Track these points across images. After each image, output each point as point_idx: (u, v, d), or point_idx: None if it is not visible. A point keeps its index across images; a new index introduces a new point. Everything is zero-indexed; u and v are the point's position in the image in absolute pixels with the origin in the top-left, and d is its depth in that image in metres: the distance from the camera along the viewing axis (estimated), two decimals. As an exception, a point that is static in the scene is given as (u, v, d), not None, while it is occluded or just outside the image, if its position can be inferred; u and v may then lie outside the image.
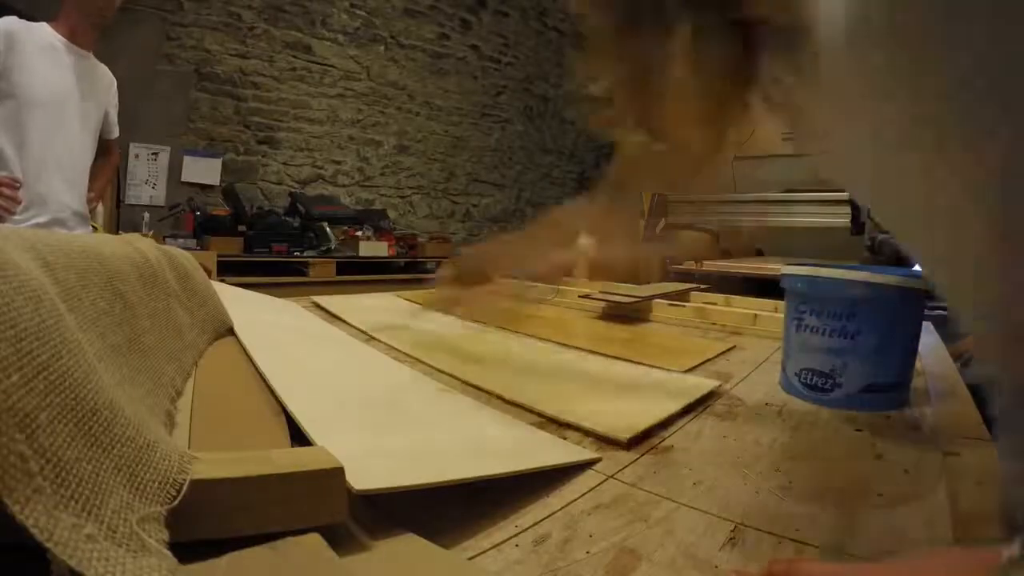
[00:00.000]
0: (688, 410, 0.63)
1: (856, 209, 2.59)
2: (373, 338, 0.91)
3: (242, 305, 0.91)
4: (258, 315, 0.94)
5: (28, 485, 0.21)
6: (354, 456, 0.36)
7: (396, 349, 0.84)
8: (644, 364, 0.81)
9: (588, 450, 0.51)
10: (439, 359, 0.78)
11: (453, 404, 0.62)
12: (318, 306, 1.16)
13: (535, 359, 0.84)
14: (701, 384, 0.71)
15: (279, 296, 1.22)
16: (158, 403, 0.46)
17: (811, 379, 0.67)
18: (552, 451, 0.50)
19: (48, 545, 0.20)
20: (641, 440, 0.53)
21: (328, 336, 0.91)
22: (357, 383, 0.66)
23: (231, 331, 0.83)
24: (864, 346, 0.63)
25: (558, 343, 0.93)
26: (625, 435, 0.52)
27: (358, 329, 0.96)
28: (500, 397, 0.64)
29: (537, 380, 0.73)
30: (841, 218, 2.96)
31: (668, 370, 0.78)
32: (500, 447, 0.50)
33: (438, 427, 0.54)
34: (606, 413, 0.58)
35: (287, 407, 0.50)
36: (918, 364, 0.89)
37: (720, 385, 0.72)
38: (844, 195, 2.83)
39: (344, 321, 1.02)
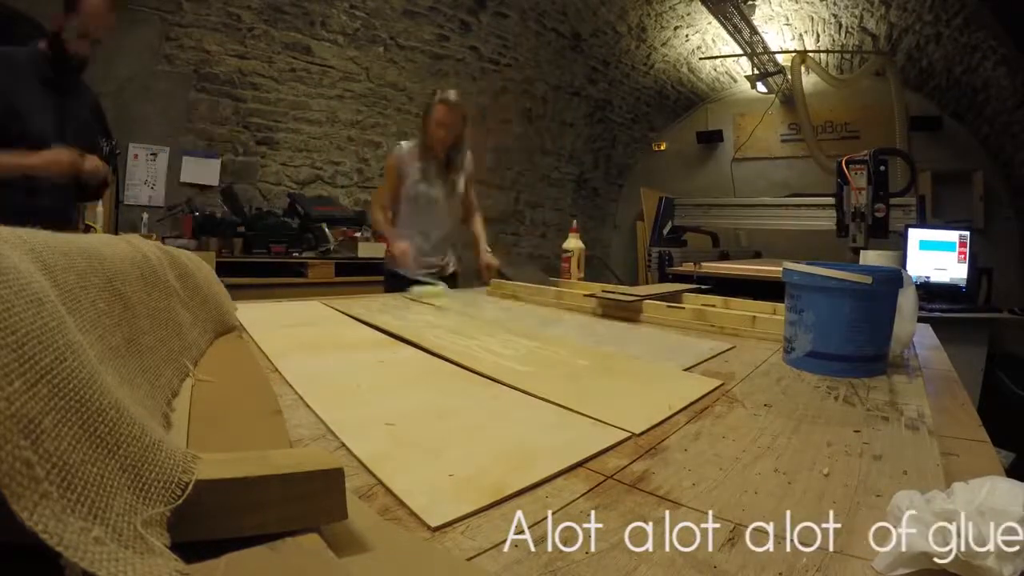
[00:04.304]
0: (690, 407, 0.63)
1: (841, 213, 2.63)
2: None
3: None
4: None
5: (35, 491, 0.21)
6: (421, 491, 0.40)
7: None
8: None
9: (618, 429, 0.55)
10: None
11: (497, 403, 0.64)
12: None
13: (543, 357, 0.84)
14: (703, 383, 0.72)
15: (278, 297, 1.23)
16: (155, 405, 0.46)
17: (785, 344, 0.90)
18: (592, 438, 0.53)
19: (59, 549, 0.20)
20: (648, 433, 0.55)
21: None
22: (403, 396, 0.66)
23: (234, 329, 0.83)
24: (807, 321, 0.84)
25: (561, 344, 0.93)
26: (638, 428, 0.56)
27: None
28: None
29: (547, 374, 0.74)
30: (827, 221, 3.02)
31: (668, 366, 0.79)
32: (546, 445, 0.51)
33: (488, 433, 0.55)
34: (614, 406, 0.61)
35: (350, 448, 0.49)
36: (915, 362, 0.90)
37: (721, 385, 0.72)
38: (830, 200, 2.88)
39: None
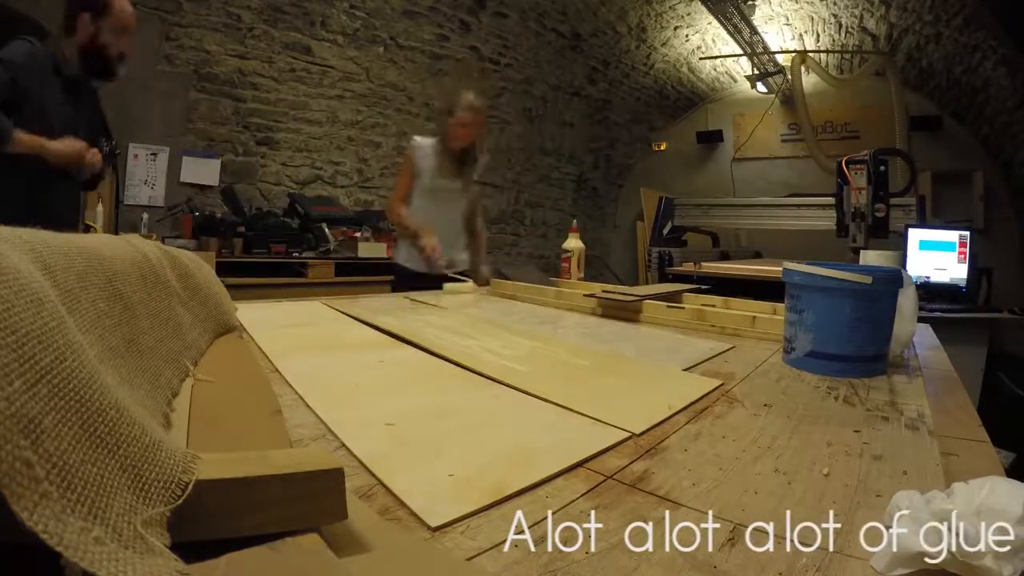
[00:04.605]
0: (690, 407, 0.63)
1: (841, 213, 2.63)
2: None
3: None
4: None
5: (35, 491, 0.21)
6: (421, 491, 0.40)
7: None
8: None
9: (618, 429, 0.55)
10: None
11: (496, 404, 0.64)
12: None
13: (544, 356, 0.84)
14: (703, 383, 0.72)
15: (278, 297, 1.23)
16: (155, 405, 0.46)
17: (785, 344, 0.90)
18: (592, 438, 0.53)
19: (59, 549, 0.20)
20: (648, 433, 0.55)
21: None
22: (403, 396, 0.66)
23: (234, 329, 0.83)
24: (807, 321, 0.84)
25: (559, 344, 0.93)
26: (638, 428, 0.55)
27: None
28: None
29: (547, 374, 0.74)
30: (827, 221, 3.02)
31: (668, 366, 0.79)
32: (545, 445, 0.51)
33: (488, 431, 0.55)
34: (614, 406, 0.61)
35: (350, 448, 0.49)
36: (915, 362, 0.90)
37: (721, 385, 0.72)
38: (830, 200, 2.88)
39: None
